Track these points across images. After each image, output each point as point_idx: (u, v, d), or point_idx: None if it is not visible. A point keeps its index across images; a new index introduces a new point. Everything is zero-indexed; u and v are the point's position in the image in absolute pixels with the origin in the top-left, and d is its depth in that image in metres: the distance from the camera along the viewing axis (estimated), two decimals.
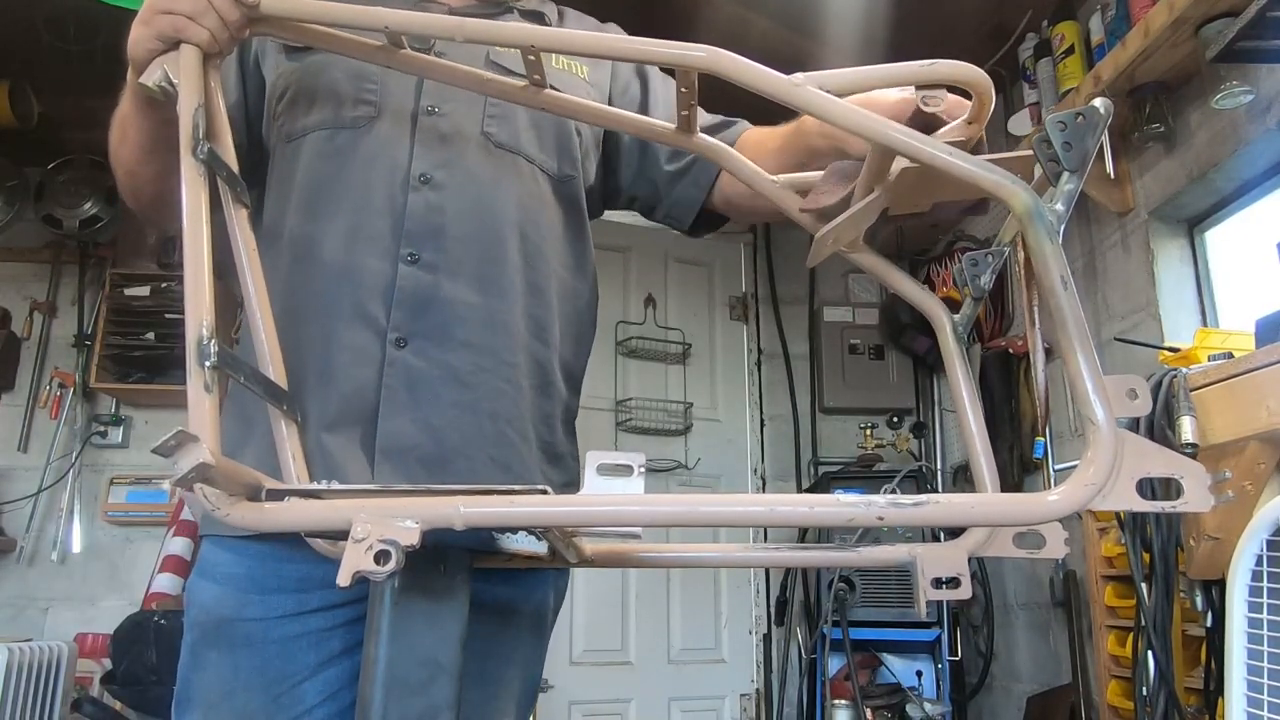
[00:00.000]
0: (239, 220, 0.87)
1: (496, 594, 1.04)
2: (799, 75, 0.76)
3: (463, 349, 1.03)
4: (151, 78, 0.88)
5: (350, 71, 1.09)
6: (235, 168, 0.89)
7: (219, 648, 1.02)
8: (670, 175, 1.23)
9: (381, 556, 0.58)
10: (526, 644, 1.11)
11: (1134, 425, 1.43)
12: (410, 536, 0.59)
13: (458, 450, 1.01)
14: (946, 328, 0.90)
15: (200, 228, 0.77)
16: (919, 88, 0.77)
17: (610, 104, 1.20)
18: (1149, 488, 0.63)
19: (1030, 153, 0.69)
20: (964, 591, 0.75)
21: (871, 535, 2.58)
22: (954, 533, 0.83)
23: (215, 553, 1.06)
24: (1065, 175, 0.66)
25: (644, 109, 1.23)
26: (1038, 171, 0.70)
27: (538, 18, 1.21)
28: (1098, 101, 0.66)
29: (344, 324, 1.02)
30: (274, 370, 0.87)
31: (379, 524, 0.59)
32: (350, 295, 1.03)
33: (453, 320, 1.03)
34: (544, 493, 0.63)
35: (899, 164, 0.80)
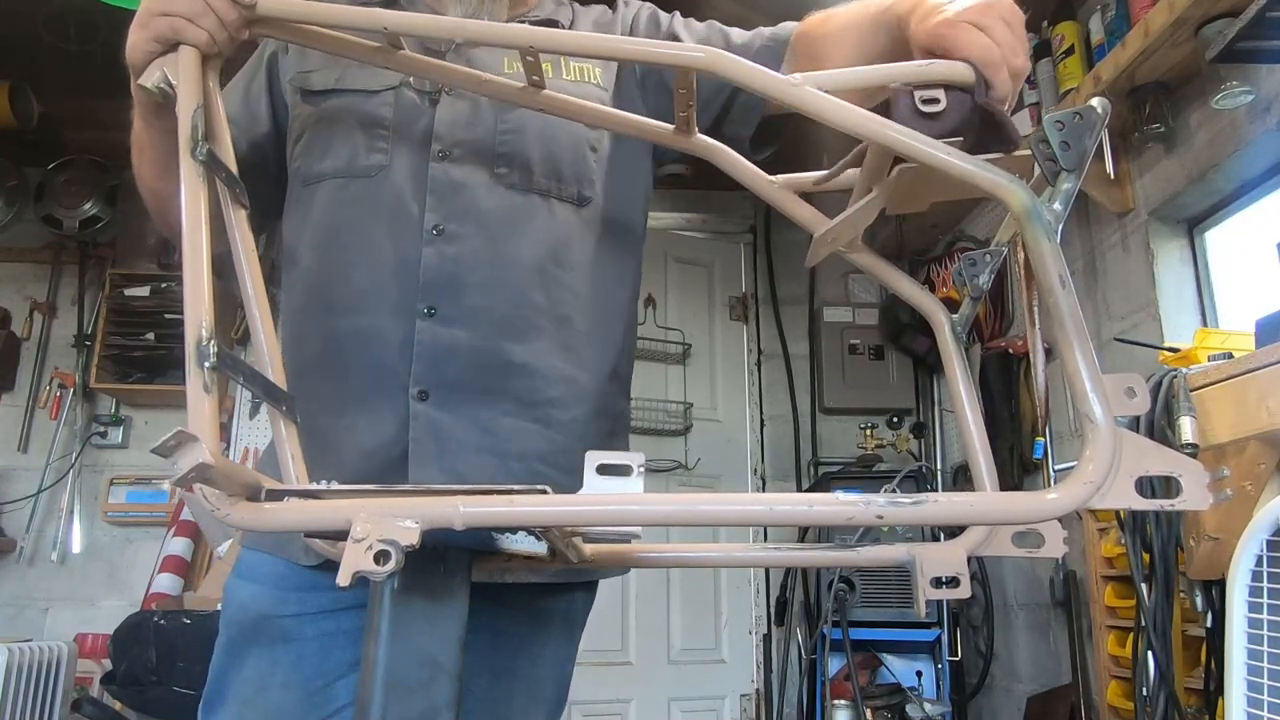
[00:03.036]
0: (238, 221, 0.87)
1: (529, 596, 1.05)
2: (796, 75, 0.76)
3: (483, 396, 1.04)
4: (150, 79, 0.88)
5: (363, 118, 1.10)
6: (234, 168, 0.88)
7: (257, 643, 1.03)
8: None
9: (381, 556, 0.58)
10: (556, 643, 1.11)
11: (1134, 425, 1.44)
12: (410, 536, 0.59)
13: None
14: (945, 327, 0.90)
15: (199, 228, 0.77)
16: (916, 88, 0.77)
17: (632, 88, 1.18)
18: (1148, 487, 0.63)
19: (1028, 152, 0.69)
20: (963, 591, 0.75)
21: (871, 535, 2.58)
22: (953, 533, 0.83)
23: (252, 555, 1.08)
24: (1063, 175, 0.66)
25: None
26: (1037, 171, 0.70)
27: (552, 25, 1.20)
28: (1095, 101, 0.66)
29: (366, 384, 1.03)
30: (273, 371, 0.87)
31: (378, 524, 0.59)
32: (370, 356, 1.04)
33: (473, 370, 1.04)
34: (543, 492, 0.63)
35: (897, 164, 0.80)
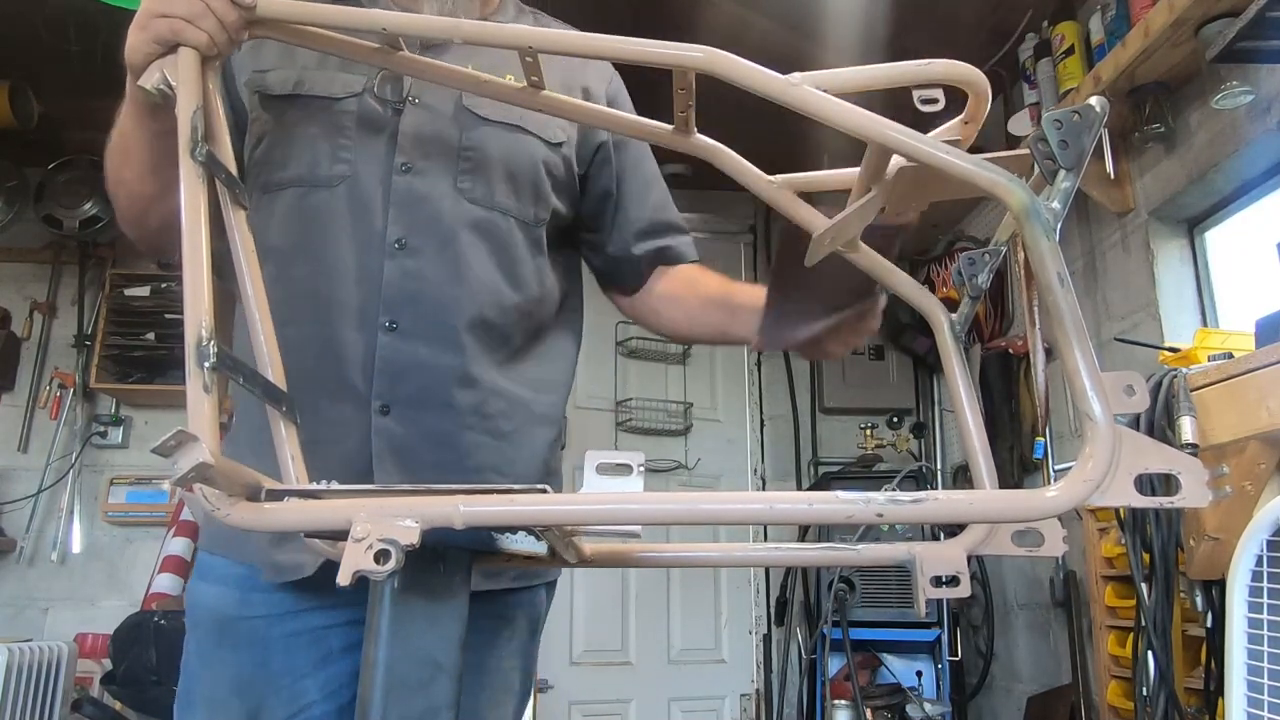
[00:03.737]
0: (237, 222, 0.87)
1: (496, 595, 1.07)
2: (796, 75, 0.76)
3: (442, 410, 1.05)
4: (150, 80, 0.87)
5: (326, 126, 1.09)
6: (234, 170, 0.89)
7: (224, 646, 1.04)
8: (628, 250, 1.26)
9: (381, 556, 0.58)
10: (521, 640, 1.15)
11: (1134, 424, 1.43)
12: (410, 536, 0.59)
13: None
14: (944, 327, 0.90)
15: (199, 229, 0.77)
16: (915, 88, 0.77)
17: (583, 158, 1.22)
18: (1148, 485, 0.63)
19: (1027, 152, 0.69)
20: (963, 590, 0.75)
21: (871, 535, 2.58)
22: (952, 533, 0.83)
23: (212, 558, 1.09)
24: (1062, 173, 0.66)
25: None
26: (1036, 171, 0.70)
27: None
28: (1094, 100, 0.66)
29: (327, 398, 1.03)
30: (272, 371, 0.87)
31: (378, 523, 0.59)
32: (332, 369, 1.04)
33: (432, 384, 1.05)
34: (543, 492, 0.63)
35: (895, 163, 0.80)
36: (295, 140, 1.09)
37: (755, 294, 1.14)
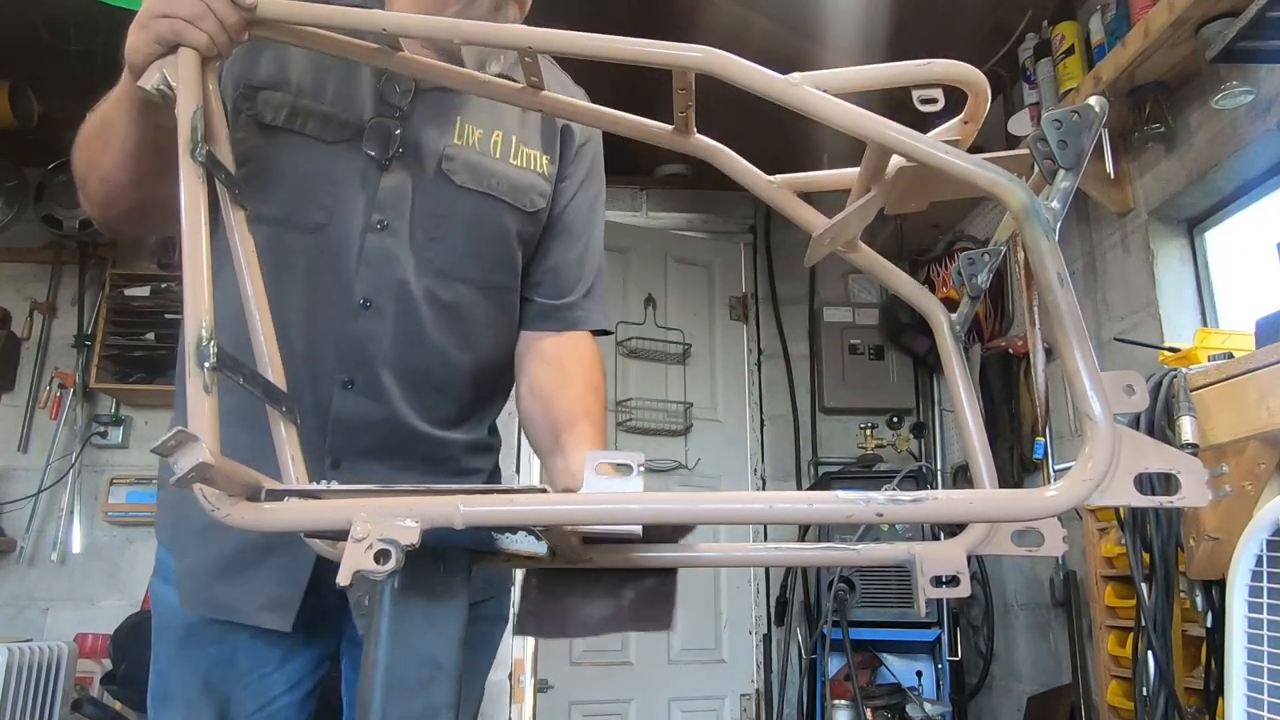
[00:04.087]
0: (237, 222, 0.88)
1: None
2: (795, 75, 0.76)
3: (390, 457, 1.09)
4: (150, 81, 0.88)
5: (312, 169, 1.08)
6: (233, 169, 0.89)
7: (190, 645, 1.08)
8: (540, 302, 1.23)
9: (381, 555, 0.58)
10: (484, 645, 1.19)
11: (1134, 425, 1.43)
12: (410, 535, 0.59)
13: None
14: (944, 326, 0.90)
15: (199, 229, 0.77)
16: (914, 88, 0.77)
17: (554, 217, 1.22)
18: (1148, 485, 0.63)
19: (1026, 151, 0.69)
20: (963, 590, 0.75)
21: (872, 535, 2.59)
22: (953, 533, 0.83)
23: (170, 555, 1.12)
24: (1061, 173, 0.66)
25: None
26: (1036, 172, 0.70)
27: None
28: (1093, 99, 0.66)
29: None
30: (272, 371, 0.87)
31: (379, 523, 0.59)
32: None
33: (384, 439, 1.08)
34: (543, 491, 0.63)
35: (895, 163, 0.80)
36: (278, 174, 1.08)
37: (575, 455, 1.09)
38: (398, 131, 1.10)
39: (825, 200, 0.97)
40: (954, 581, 0.76)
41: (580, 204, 1.25)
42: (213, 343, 0.70)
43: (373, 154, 1.09)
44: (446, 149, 1.12)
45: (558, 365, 1.20)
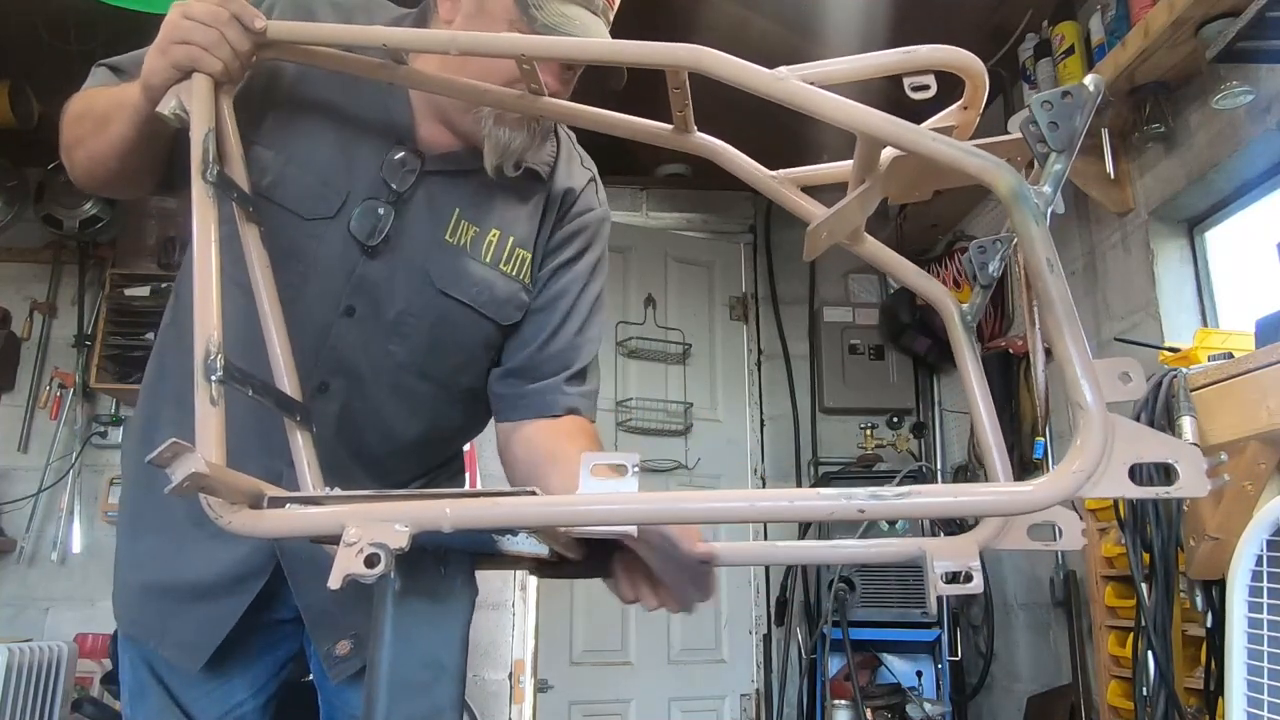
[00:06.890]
0: (251, 237, 0.91)
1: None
2: (782, 68, 0.76)
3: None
4: (167, 106, 0.91)
5: (287, 244, 1.03)
6: (246, 187, 0.92)
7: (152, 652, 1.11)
8: (511, 390, 1.18)
9: (371, 559, 0.58)
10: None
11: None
12: (400, 539, 0.59)
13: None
14: (955, 316, 0.89)
15: (209, 246, 0.80)
16: (904, 75, 0.77)
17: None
18: (1145, 476, 0.61)
19: (1019, 135, 0.67)
20: (975, 586, 0.73)
21: (875, 533, 2.58)
22: (966, 527, 0.82)
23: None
24: (1052, 156, 0.64)
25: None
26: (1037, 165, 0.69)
27: (534, 175, 1.16)
28: (1088, 79, 0.64)
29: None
30: (287, 381, 0.89)
31: (369, 528, 0.59)
32: None
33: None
34: (532, 494, 0.63)
35: (889, 154, 0.79)
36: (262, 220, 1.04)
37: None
38: (388, 215, 1.07)
39: (832, 197, 0.97)
40: (967, 578, 0.73)
41: (566, 283, 1.19)
42: (219, 356, 0.70)
43: (357, 237, 1.06)
44: (436, 246, 1.10)
45: (553, 442, 1.12)
